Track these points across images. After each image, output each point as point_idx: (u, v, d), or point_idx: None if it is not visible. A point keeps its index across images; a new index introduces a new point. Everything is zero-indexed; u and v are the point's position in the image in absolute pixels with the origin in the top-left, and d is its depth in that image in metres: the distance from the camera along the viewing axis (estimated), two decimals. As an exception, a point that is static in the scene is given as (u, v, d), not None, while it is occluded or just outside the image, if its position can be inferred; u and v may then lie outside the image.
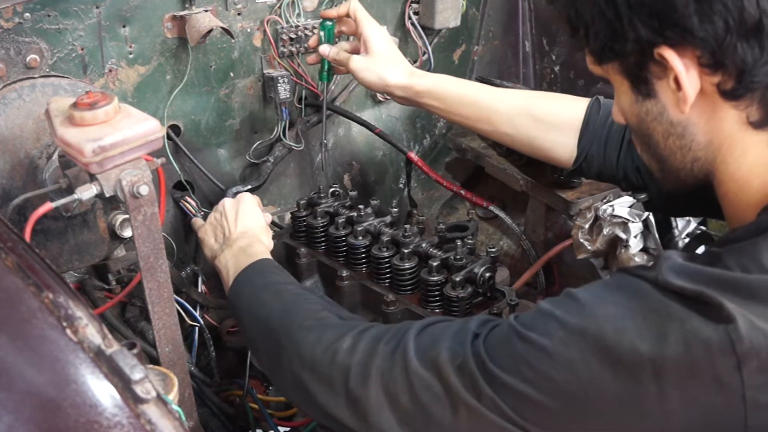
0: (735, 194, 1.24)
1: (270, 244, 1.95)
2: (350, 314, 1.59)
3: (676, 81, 1.14)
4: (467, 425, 1.21)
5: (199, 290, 2.19)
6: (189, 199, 2.21)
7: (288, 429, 2.05)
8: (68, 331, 0.92)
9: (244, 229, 1.92)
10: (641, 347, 1.06)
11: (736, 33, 1.07)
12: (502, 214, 2.36)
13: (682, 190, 1.37)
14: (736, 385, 1.02)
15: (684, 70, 1.12)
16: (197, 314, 2.10)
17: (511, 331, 1.19)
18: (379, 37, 2.05)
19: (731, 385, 1.02)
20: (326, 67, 2.20)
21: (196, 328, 2.10)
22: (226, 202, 2.01)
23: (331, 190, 2.22)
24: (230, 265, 1.82)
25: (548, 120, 1.90)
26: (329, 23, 2.13)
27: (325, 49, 2.12)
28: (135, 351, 1.04)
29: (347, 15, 2.09)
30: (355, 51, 2.11)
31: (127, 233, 1.80)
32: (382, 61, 2.04)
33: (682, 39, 1.10)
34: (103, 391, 0.87)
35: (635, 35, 1.13)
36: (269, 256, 1.83)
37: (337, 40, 2.17)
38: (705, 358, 1.03)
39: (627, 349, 1.07)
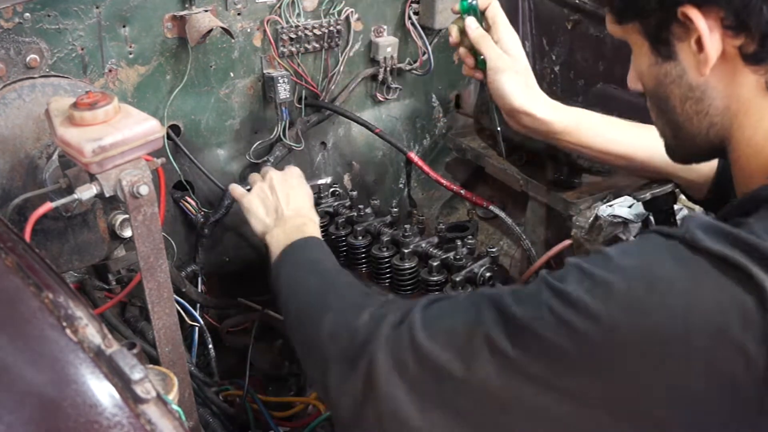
0: (747, 159, 1.22)
1: (317, 219, 1.93)
2: (381, 292, 1.58)
3: (698, 43, 1.14)
4: (482, 378, 1.14)
5: (199, 290, 2.19)
6: (189, 199, 2.21)
7: (288, 429, 2.05)
8: (68, 331, 0.92)
9: (296, 207, 1.90)
10: (670, 302, 1.02)
11: None
12: (502, 214, 2.35)
13: (695, 158, 1.37)
14: (762, 361, 0.97)
15: (708, 31, 1.12)
16: (197, 314, 2.10)
17: (541, 283, 1.15)
18: (519, 48, 1.82)
19: (756, 361, 0.97)
20: (478, 56, 1.86)
21: (196, 328, 2.10)
22: (274, 176, 1.97)
23: (332, 190, 2.22)
24: (282, 244, 1.78)
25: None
26: (474, 1, 1.82)
27: (473, 24, 1.81)
28: (135, 351, 1.05)
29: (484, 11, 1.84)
30: None
31: (127, 233, 1.80)
32: (526, 71, 1.80)
33: None
34: (103, 391, 0.88)
35: None
36: (320, 236, 1.82)
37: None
38: (735, 324, 0.98)
39: (655, 303, 1.02)
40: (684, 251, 1.04)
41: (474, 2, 1.81)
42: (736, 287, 0.99)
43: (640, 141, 1.81)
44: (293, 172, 2.01)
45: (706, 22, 1.11)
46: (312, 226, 1.85)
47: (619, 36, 1.29)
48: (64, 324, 0.92)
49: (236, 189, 2.03)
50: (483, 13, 1.82)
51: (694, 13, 1.11)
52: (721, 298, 0.99)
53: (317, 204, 2.14)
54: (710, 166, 1.75)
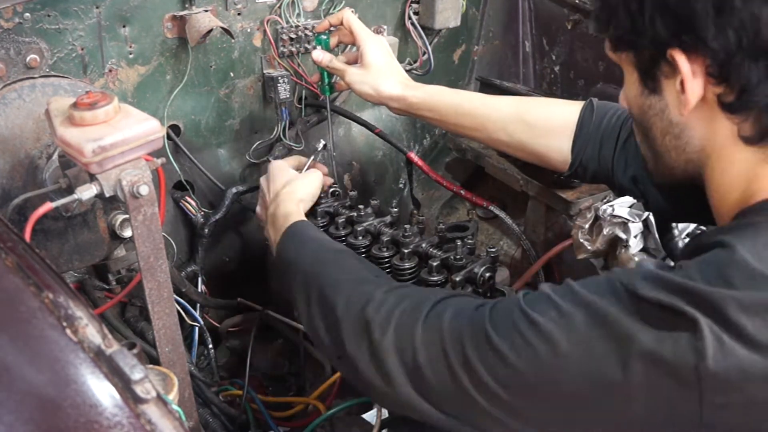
0: (718, 201, 1.28)
1: (303, 194, 2.00)
2: (382, 272, 1.67)
3: (682, 84, 1.17)
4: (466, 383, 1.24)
5: (199, 290, 2.19)
6: (189, 199, 2.21)
7: (288, 429, 2.06)
8: (68, 331, 0.92)
9: (275, 193, 1.97)
10: (611, 345, 1.10)
11: (746, 51, 1.10)
12: (502, 214, 2.35)
13: (673, 184, 1.42)
14: (695, 385, 1.05)
15: (691, 75, 1.16)
16: (197, 314, 2.10)
17: (514, 305, 1.23)
18: (374, 48, 2.06)
19: (690, 384, 1.05)
20: (327, 80, 2.22)
21: (196, 328, 2.10)
22: (263, 177, 2.08)
23: (331, 190, 2.22)
24: (271, 235, 1.88)
25: (541, 125, 1.91)
26: (324, 36, 2.16)
27: (318, 55, 2.13)
28: (135, 351, 1.05)
29: (341, 24, 2.11)
30: (354, 61, 2.11)
31: (127, 233, 1.80)
32: (377, 72, 2.04)
33: (695, 45, 1.13)
34: (103, 391, 0.88)
35: (653, 32, 1.17)
36: (297, 216, 1.88)
37: (337, 51, 2.20)
38: (668, 353, 1.06)
39: (603, 339, 1.11)
40: (627, 298, 1.12)
41: (323, 36, 2.16)
42: (671, 324, 1.07)
43: (493, 115, 1.96)
44: (273, 164, 2.08)
45: (691, 66, 1.15)
46: (285, 207, 1.90)
47: (614, 60, 1.33)
48: (64, 324, 0.92)
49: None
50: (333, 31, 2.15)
51: (681, 57, 1.15)
52: (660, 335, 1.07)
53: (317, 204, 2.14)
54: (569, 142, 1.88)
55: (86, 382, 0.88)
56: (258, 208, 2.07)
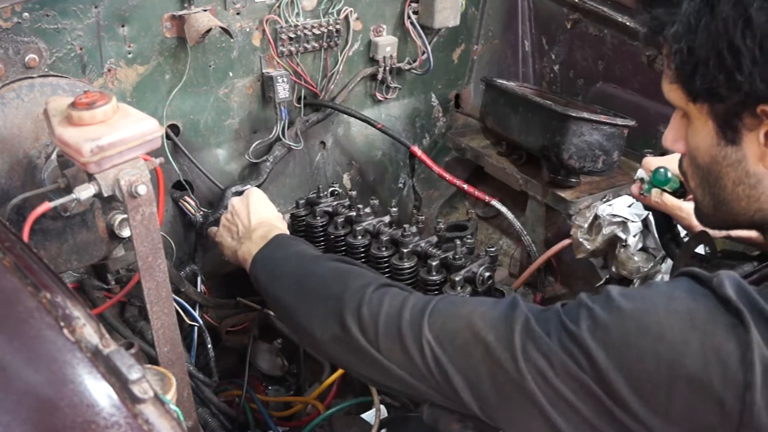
0: None
1: (284, 225, 1.95)
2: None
3: (766, 136, 1.17)
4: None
5: (199, 290, 2.19)
6: (188, 199, 2.21)
7: (287, 429, 2.05)
8: (65, 331, 0.92)
9: (260, 219, 1.93)
10: (659, 349, 1.09)
11: None
12: (503, 209, 2.36)
13: (727, 228, 1.42)
14: (737, 413, 1.04)
15: None
16: (196, 314, 2.10)
17: (555, 315, 1.22)
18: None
19: (732, 413, 1.04)
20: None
21: (195, 328, 2.10)
22: (235, 201, 2.02)
23: (331, 189, 2.22)
24: (252, 251, 1.81)
25: None
26: (662, 171, 1.79)
27: (668, 199, 1.83)
28: (133, 351, 1.04)
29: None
30: None
31: (126, 233, 1.80)
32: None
33: None
34: (100, 391, 0.87)
35: (750, 88, 1.14)
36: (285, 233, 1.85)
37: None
38: (716, 379, 1.05)
39: (646, 350, 1.10)
40: (700, 289, 1.12)
41: (669, 174, 1.78)
42: (725, 336, 1.06)
43: None
44: (253, 192, 2.04)
45: None
46: (277, 231, 1.86)
47: (675, 103, 1.30)
48: (62, 324, 0.92)
49: (211, 231, 2.11)
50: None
51: None
52: (707, 354, 1.06)
53: (317, 203, 2.14)
54: None
55: (83, 381, 0.88)
56: (221, 229, 2.02)
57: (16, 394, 0.86)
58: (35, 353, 0.90)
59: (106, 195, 1.40)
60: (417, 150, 2.45)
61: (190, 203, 2.21)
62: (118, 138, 1.36)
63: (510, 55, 2.86)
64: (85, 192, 1.41)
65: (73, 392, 0.87)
